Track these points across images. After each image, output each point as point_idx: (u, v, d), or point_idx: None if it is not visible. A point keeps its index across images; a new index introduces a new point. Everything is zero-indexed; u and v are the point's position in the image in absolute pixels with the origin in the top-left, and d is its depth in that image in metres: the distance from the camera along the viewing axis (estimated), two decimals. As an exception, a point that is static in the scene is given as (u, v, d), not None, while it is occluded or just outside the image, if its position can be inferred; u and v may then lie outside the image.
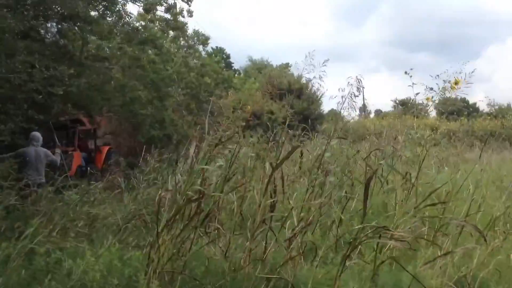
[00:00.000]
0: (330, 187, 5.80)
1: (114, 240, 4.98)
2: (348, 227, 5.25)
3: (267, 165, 4.88)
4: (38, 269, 4.47)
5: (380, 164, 6.54)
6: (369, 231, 4.13)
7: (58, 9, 11.81)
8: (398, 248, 4.73)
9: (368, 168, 5.65)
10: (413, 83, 5.72)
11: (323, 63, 5.80)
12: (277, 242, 4.70)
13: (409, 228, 5.05)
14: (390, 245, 4.66)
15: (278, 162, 4.74)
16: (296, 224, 4.73)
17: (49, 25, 12.09)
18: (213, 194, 4.71)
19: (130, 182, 8.55)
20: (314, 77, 5.90)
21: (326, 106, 35.65)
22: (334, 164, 6.14)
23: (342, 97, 5.97)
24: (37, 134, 8.60)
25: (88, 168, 13.11)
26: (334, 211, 5.38)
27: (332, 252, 4.81)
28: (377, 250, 4.57)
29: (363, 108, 41.14)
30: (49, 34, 12.72)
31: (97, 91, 12.35)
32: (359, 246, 4.50)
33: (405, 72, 5.77)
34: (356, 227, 4.43)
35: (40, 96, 8.78)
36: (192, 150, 4.74)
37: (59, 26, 12.55)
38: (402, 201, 5.81)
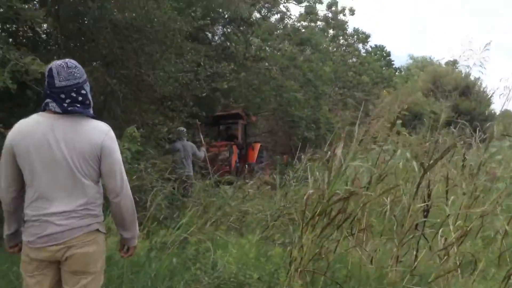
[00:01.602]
0: (497, 193, 5.12)
1: (260, 235, 4.99)
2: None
3: (416, 165, 4.44)
4: (189, 258, 4.67)
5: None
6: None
7: (224, 13, 12.51)
8: None
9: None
10: None
11: (485, 47, 5.08)
12: (430, 251, 4.26)
13: None
14: None
15: (430, 163, 4.29)
16: (452, 233, 4.24)
17: (215, 28, 12.88)
18: (364, 193, 4.44)
19: (282, 180, 8.63)
20: (474, 64, 5.18)
21: (498, 106, 32.29)
22: (502, 169, 5.41)
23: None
24: (183, 129, 9.07)
25: (245, 165, 13.67)
26: (499, 220, 4.71)
27: (494, 266, 4.21)
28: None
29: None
30: (216, 36, 13.57)
31: (255, 91, 12.76)
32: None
33: None
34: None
35: (204, 94, 9.29)
36: (339, 150, 4.53)
37: (225, 29, 13.31)
38: None
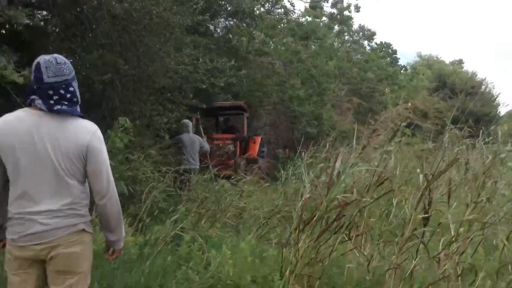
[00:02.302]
0: (501, 201, 5.02)
1: (255, 234, 4.92)
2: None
3: (421, 177, 4.36)
4: (182, 256, 4.60)
5: None
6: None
7: (227, 5, 12.39)
8: None
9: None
10: None
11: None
12: (429, 257, 4.18)
13: None
14: None
15: (434, 174, 4.21)
16: (453, 241, 4.15)
17: (217, 21, 12.74)
18: (361, 199, 4.37)
19: (281, 175, 8.57)
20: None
21: (504, 108, 32.26)
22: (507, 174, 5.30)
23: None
24: (188, 122, 9.06)
25: (245, 158, 13.36)
26: (501, 229, 4.61)
27: (494, 277, 4.13)
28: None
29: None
30: (218, 29, 13.44)
31: (257, 85, 12.64)
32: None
33: None
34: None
35: (204, 86, 9.21)
36: (338, 162, 4.44)
37: (227, 22, 13.18)
38: None
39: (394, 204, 4.83)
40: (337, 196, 4.20)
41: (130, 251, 4.63)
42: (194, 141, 8.89)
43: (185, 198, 6.69)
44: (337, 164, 4.45)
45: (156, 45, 7.81)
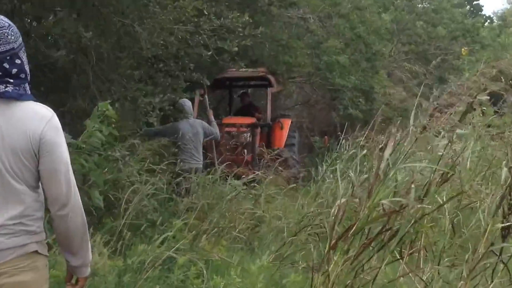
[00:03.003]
0: None
1: (274, 254, 4.93)
2: None
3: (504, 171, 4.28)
4: (174, 285, 4.63)
5: None
6: None
7: None
8: None
9: None
10: None
11: None
12: (510, 282, 4.13)
13: None
14: None
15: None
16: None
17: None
18: (418, 204, 4.31)
19: (318, 172, 8.53)
20: None
21: None
22: None
23: None
24: (188, 102, 8.94)
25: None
26: None
27: None
28: None
29: None
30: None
31: (283, 49, 12.49)
32: None
33: None
34: None
35: (209, 53, 9.10)
36: (388, 151, 4.37)
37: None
38: None
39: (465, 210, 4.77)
40: (382, 202, 4.14)
41: (106, 279, 4.66)
42: (197, 130, 8.76)
43: (183, 207, 6.70)
44: (386, 154, 4.38)
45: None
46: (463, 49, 19.60)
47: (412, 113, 4.82)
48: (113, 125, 6.06)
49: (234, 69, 11.58)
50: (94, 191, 5.49)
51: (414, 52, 19.78)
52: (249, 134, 12.28)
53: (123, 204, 5.80)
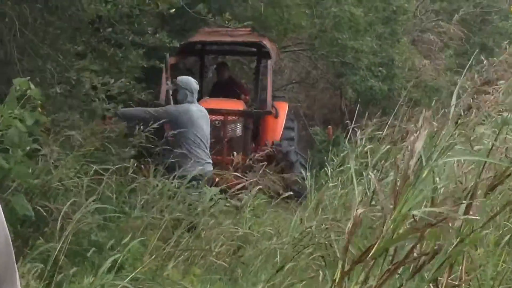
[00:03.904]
0: None
1: (264, 285, 4.92)
2: None
3: None
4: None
5: None
6: None
7: None
8: None
9: None
10: None
11: None
12: None
13: None
14: None
15: None
16: None
17: None
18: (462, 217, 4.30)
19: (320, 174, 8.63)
20: None
21: None
22: None
23: None
24: (192, 80, 8.74)
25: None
26: None
27: None
28: None
29: None
30: None
31: (271, 3, 12.49)
32: None
33: None
34: None
35: (180, 5, 9.12)
36: (420, 142, 4.36)
37: None
38: None
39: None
40: (413, 212, 4.11)
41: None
42: (209, 120, 8.66)
43: (142, 222, 6.68)
44: (418, 146, 4.34)
45: None
46: (511, 7, 19.71)
47: (456, 90, 4.72)
48: (39, 109, 5.95)
49: (209, 29, 11.52)
50: (19, 198, 5.41)
51: (446, 11, 19.90)
52: (239, 125, 11.86)
53: (59, 220, 5.72)
